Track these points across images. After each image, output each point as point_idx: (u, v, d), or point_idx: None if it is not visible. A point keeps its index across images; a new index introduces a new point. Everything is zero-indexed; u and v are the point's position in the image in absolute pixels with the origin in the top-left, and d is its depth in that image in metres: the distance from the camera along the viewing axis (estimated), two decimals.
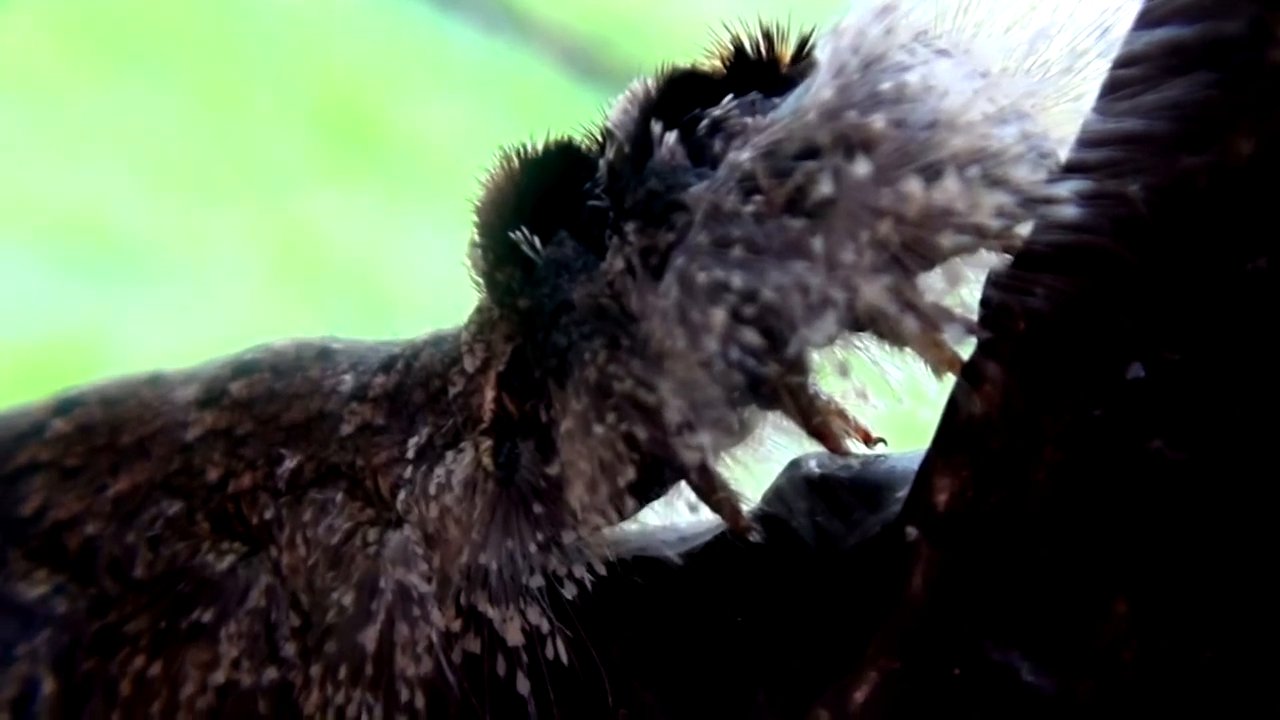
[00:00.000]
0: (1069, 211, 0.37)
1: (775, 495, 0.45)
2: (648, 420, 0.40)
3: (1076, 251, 0.35)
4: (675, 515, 0.48)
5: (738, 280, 0.37)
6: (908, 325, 0.37)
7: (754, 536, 0.42)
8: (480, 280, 0.46)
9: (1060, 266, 0.36)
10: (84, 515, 0.56)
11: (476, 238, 0.46)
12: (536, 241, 0.43)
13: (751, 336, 0.37)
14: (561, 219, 0.44)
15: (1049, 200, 0.37)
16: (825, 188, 0.37)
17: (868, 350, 0.42)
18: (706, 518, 0.47)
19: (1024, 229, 0.39)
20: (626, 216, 0.42)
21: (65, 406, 0.60)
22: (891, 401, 0.45)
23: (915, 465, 0.44)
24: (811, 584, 0.41)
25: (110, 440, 0.57)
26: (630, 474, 0.41)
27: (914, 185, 0.36)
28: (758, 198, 0.38)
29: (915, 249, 0.37)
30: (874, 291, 0.36)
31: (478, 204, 0.46)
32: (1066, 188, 0.37)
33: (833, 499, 0.44)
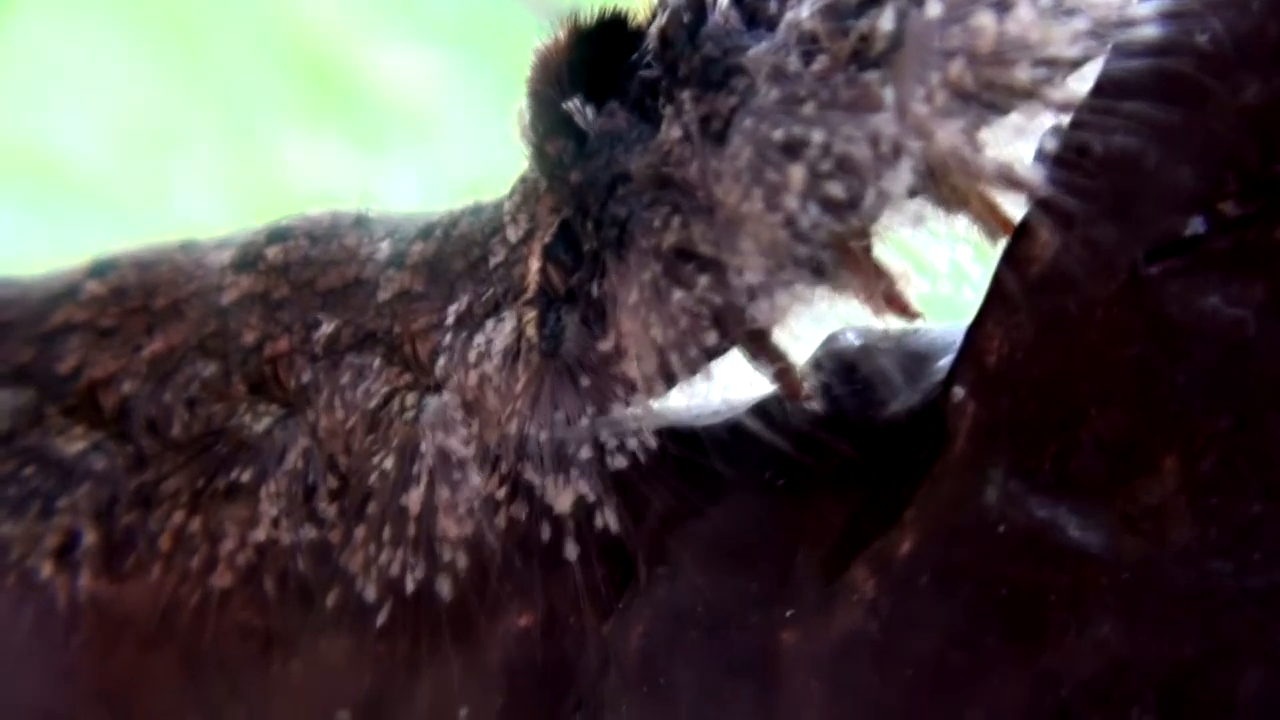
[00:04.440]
0: (1151, 32, 0.35)
1: (814, 366, 0.44)
2: (719, 287, 0.39)
3: (1158, 76, 0.34)
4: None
5: (811, 135, 0.36)
6: (981, 170, 0.36)
7: (813, 405, 0.41)
8: (529, 153, 0.45)
9: (1140, 93, 0.34)
10: (120, 375, 0.55)
11: (526, 111, 0.45)
12: (590, 112, 0.42)
13: (833, 190, 0.36)
14: (611, 90, 0.43)
15: (1129, 23, 0.35)
16: (891, 35, 0.35)
17: (914, 225, 0.42)
18: (723, 396, 0.47)
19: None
20: (682, 84, 0.40)
21: (100, 269, 0.58)
22: (932, 281, 0.45)
23: (954, 337, 0.43)
24: (853, 448, 0.41)
25: (145, 302, 0.56)
26: (702, 343, 0.40)
27: (985, 19, 0.35)
28: (821, 55, 0.37)
29: (988, 88, 0.35)
30: (948, 136, 0.35)
31: (528, 77, 0.45)
32: (1148, 7, 0.35)
33: (874, 368, 0.43)
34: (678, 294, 0.39)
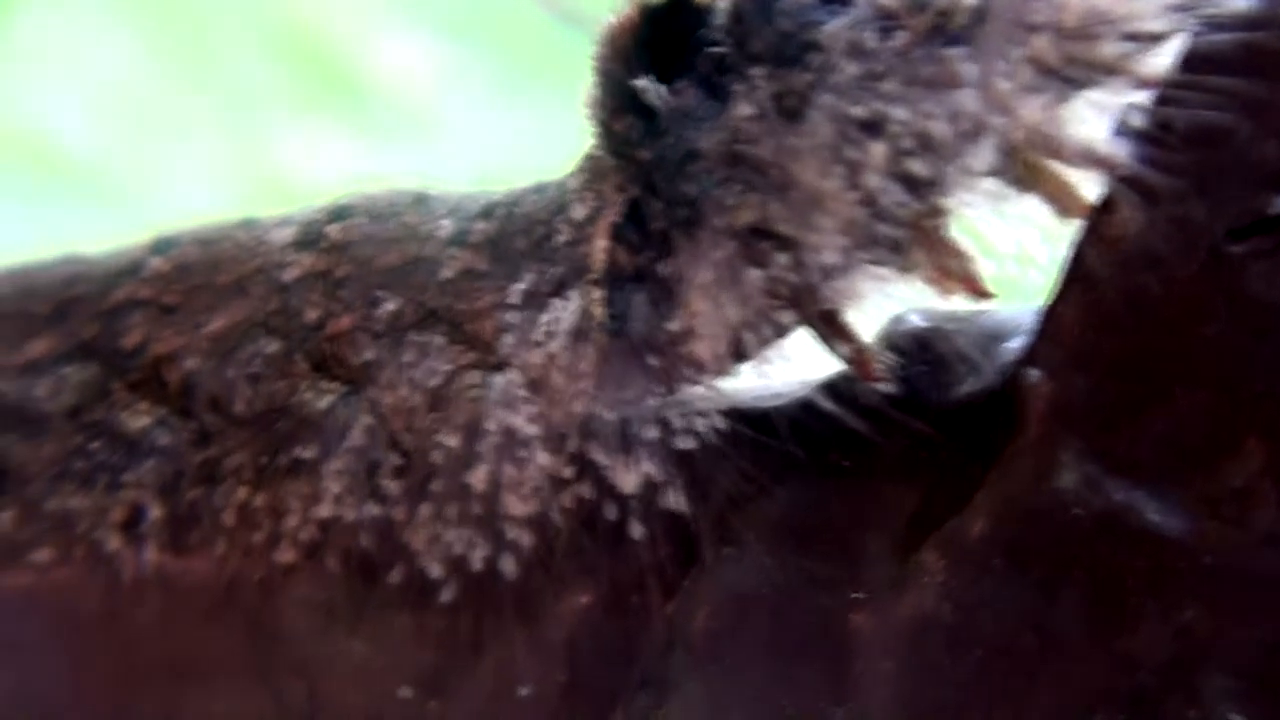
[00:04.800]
0: (1241, 5, 0.34)
1: (883, 347, 0.44)
2: (795, 266, 0.38)
3: (1248, 50, 0.33)
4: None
5: (893, 112, 0.36)
6: (1065, 147, 0.35)
7: (887, 387, 0.41)
8: (596, 130, 0.45)
9: (1229, 67, 0.33)
10: (184, 351, 0.55)
11: (594, 88, 0.44)
12: (662, 90, 0.41)
13: (914, 168, 0.36)
14: (680, 68, 0.43)
15: None
16: (973, 9, 0.35)
17: (986, 204, 0.41)
18: (786, 375, 0.47)
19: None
20: (754, 61, 0.40)
21: (162, 246, 0.59)
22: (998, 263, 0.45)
23: (1023, 319, 0.43)
24: (921, 431, 0.41)
25: (207, 279, 0.56)
26: (775, 323, 0.40)
27: None
28: (899, 30, 0.36)
29: (1073, 64, 0.35)
30: (1032, 113, 0.34)
31: (596, 54, 0.44)
32: None
33: (942, 349, 0.43)
34: (753, 273, 0.39)
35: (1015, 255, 0.44)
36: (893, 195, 0.36)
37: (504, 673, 0.50)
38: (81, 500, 0.54)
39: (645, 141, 0.42)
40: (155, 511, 0.53)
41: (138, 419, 0.56)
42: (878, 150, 0.36)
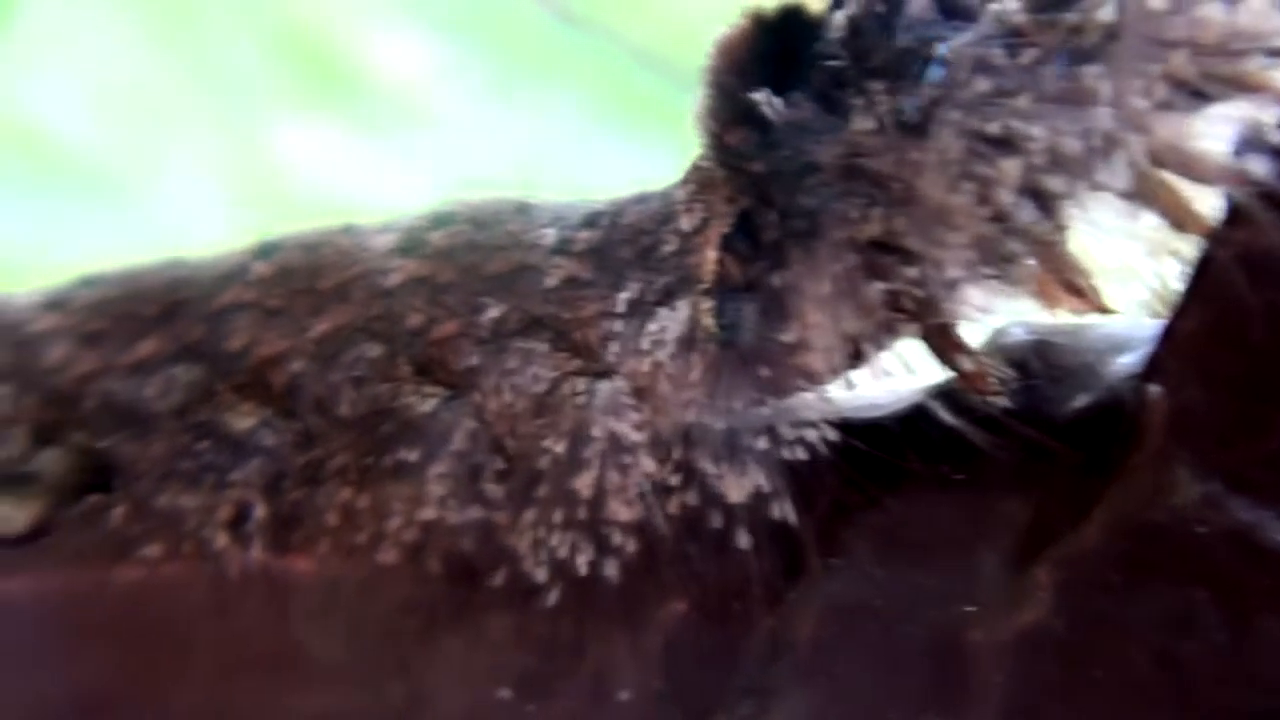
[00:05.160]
0: None
1: (993, 360, 0.43)
2: (918, 280, 0.38)
3: None
4: None
5: (1024, 129, 0.36)
6: (1201, 164, 0.35)
7: (1001, 401, 0.41)
8: (706, 142, 0.45)
9: None
10: (288, 354, 0.56)
11: (706, 100, 0.44)
12: (779, 104, 0.41)
13: (1048, 185, 0.36)
14: (794, 81, 0.43)
15: None
16: (1107, 27, 0.35)
17: (1106, 219, 0.41)
18: (884, 388, 0.47)
19: None
20: (874, 75, 0.40)
21: (265, 251, 0.60)
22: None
23: (1134, 332, 0.43)
24: (1036, 444, 0.41)
25: (310, 284, 0.57)
26: (893, 336, 0.40)
27: (1213, 9, 0.34)
28: (1028, 47, 0.36)
29: (1211, 80, 0.35)
30: (1168, 130, 0.34)
31: (708, 66, 0.45)
32: None
33: (1051, 363, 0.43)
34: (874, 286, 0.39)
35: (1118, 270, 0.44)
36: (1023, 211, 0.36)
37: (603, 677, 0.50)
38: (189, 498, 0.55)
39: (759, 154, 0.42)
40: (260, 511, 0.54)
41: (243, 420, 0.57)
42: (1010, 166, 0.36)
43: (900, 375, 0.44)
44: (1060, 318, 0.44)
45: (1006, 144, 0.36)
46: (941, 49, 0.38)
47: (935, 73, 0.38)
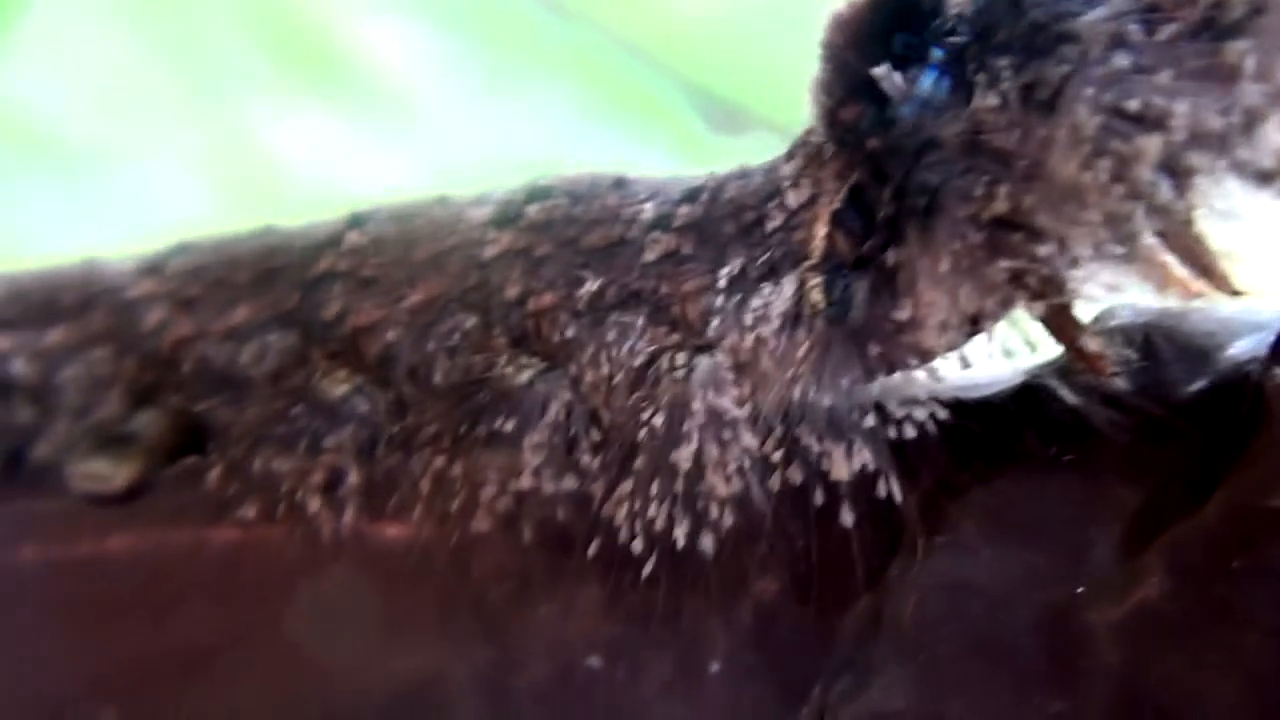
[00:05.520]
0: None
1: (1108, 340, 0.43)
2: (1044, 258, 0.38)
3: None
4: None
5: (1166, 105, 0.35)
6: None
7: (1119, 383, 0.40)
8: (819, 116, 0.45)
9: None
10: (383, 323, 0.56)
11: (822, 74, 0.44)
12: (898, 78, 0.41)
13: (1189, 162, 0.35)
14: (914, 56, 0.42)
15: None
16: (1251, 1, 0.34)
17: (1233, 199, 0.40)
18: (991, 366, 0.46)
19: None
20: (999, 51, 0.39)
21: (358, 220, 0.60)
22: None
23: (1250, 316, 0.42)
24: (1152, 426, 0.40)
25: (405, 254, 0.57)
26: (1008, 314, 0.39)
27: None
28: (1167, 23, 0.36)
29: None
30: None
31: (825, 41, 0.44)
32: None
33: (1165, 345, 0.42)
34: (999, 264, 0.39)
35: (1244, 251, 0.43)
36: (1160, 189, 0.36)
37: (695, 649, 0.50)
38: (284, 462, 0.56)
39: (876, 129, 0.42)
40: (354, 477, 0.55)
41: (337, 387, 0.57)
42: (1150, 143, 0.35)
43: (1009, 354, 0.44)
44: (1171, 300, 0.44)
45: (1146, 120, 0.36)
46: (1074, 25, 0.37)
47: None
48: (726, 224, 0.49)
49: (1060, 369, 0.43)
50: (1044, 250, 0.38)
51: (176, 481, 0.59)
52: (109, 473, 0.59)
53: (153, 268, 0.64)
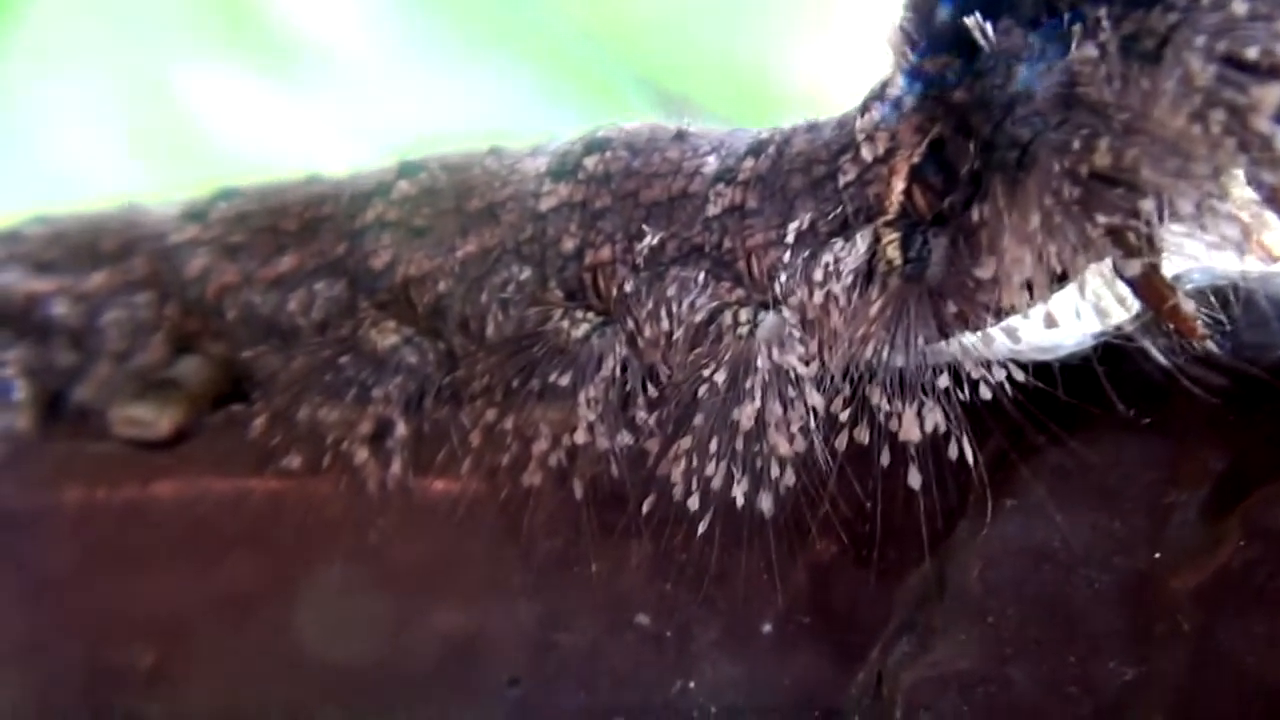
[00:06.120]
0: None
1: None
2: (1146, 215, 0.37)
3: None
4: None
5: None
6: None
7: (1210, 345, 0.39)
8: (901, 68, 0.43)
9: None
10: (435, 273, 0.55)
11: (905, 25, 0.43)
12: (989, 29, 0.40)
13: None
14: (1001, 7, 0.41)
15: None
16: None
17: None
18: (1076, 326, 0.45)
19: None
20: (1096, 2, 0.38)
21: (408, 170, 0.58)
22: None
23: None
24: (1233, 392, 0.39)
25: (457, 204, 0.56)
26: (1094, 269, 0.38)
27: None
28: None
29: None
30: None
31: None
32: None
33: (1262, 308, 0.41)
34: (1098, 219, 0.38)
35: None
36: (1277, 141, 0.35)
37: (746, 608, 0.49)
38: (330, 412, 0.55)
39: (962, 81, 0.41)
40: (402, 428, 0.54)
41: (386, 337, 0.56)
42: (1269, 94, 0.34)
43: (1086, 314, 0.43)
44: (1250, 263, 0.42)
45: (1263, 69, 0.35)
46: None
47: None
48: (795, 178, 0.48)
49: (1142, 330, 0.42)
50: (1146, 206, 0.37)
51: (220, 429, 0.58)
52: (152, 418, 0.58)
53: (196, 213, 0.62)
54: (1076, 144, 0.38)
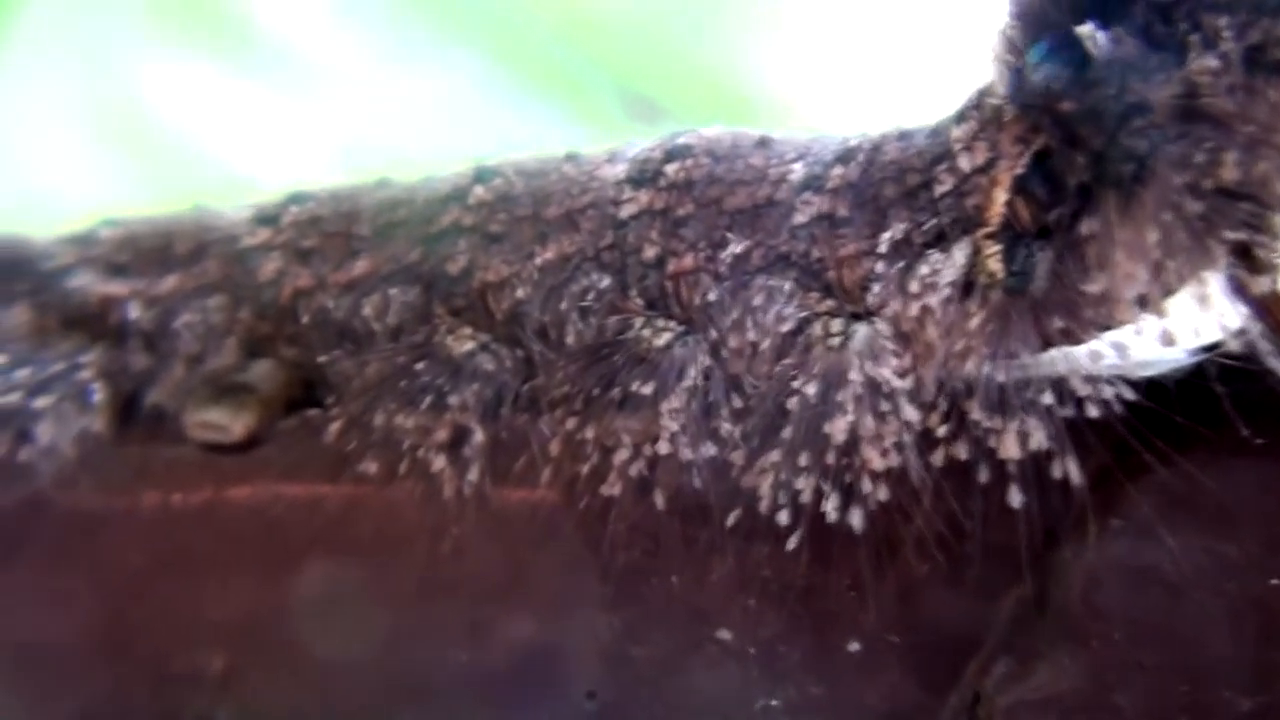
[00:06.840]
0: None
1: None
2: (1276, 231, 0.36)
3: None
4: None
5: None
6: None
7: None
8: (1002, 76, 0.43)
9: None
10: (512, 280, 0.54)
11: (1010, 32, 0.42)
12: (1101, 38, 0.39)
13: None
14: (1113, 15, 0.40)
15: None
16: None
17: None
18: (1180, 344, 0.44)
19: None
20: (1216, 10, 0.37)
21: (484, 175, 0.57)
22: None
23: None
24: None
25: (535, 211, 0.55)
26: (1209, 288, 0.37)
27: None
28: None
29: None
30: None
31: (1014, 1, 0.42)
32: None
33: None
34: (1223, 235, 0.36)
35: None
36: None
37: (833, 626, 0.48)
38: (405, 418, 0.54)
39: (1071, 91, 0.40)
40: (479, 436, 0.53)
41: (462, 343, 0.55)
42: None
43: (1195, 332, 0.42)
44: None
45: None
46: None
47: None
48: (887, 187, 0.47)
49: (1255, 349, 0.40)
50: (1276, 221, 0.36)
51: (293, 434, 0.57)
52: (226, 422, 0.57)
53: (268, 217, 0.62)
54: (1200, 157, 0.37)
